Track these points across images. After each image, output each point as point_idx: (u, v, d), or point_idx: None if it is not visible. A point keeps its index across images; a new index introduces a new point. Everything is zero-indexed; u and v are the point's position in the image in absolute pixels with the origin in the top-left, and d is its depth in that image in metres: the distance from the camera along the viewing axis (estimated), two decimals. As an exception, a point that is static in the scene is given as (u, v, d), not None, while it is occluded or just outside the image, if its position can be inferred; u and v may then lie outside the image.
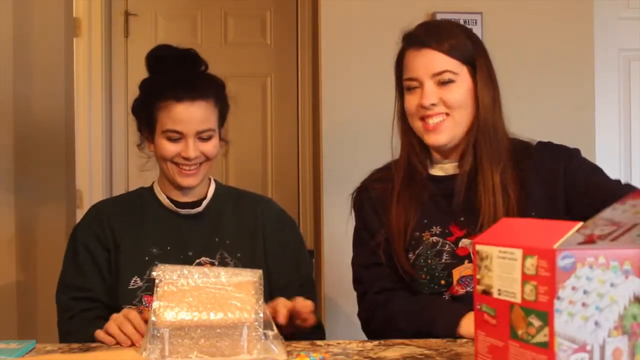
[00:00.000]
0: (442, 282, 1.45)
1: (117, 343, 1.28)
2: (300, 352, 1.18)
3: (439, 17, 2.26)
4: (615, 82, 2.70)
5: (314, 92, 3.02)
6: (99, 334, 1.31)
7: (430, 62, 1.45)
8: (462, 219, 1.47)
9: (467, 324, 1.31)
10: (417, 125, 1.47)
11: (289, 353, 1.17)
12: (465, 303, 1.33)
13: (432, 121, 1.44)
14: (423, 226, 1.48)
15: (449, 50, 1.45)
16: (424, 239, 1.47)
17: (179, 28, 3.32)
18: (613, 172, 2.66)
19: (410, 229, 1.47)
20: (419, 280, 1.46)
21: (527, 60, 2.33)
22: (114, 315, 1.32)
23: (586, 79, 2.35)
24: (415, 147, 1.51)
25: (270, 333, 1.16)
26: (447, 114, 1.44)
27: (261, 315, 1.14)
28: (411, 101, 1.47)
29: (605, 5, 2.61)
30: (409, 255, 1.47)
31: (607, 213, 0.84)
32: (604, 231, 0.86)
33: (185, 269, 1.18)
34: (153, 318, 1.11)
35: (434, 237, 1.47)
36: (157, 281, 1.14)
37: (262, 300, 1.16)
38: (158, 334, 1.11)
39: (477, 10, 2.28)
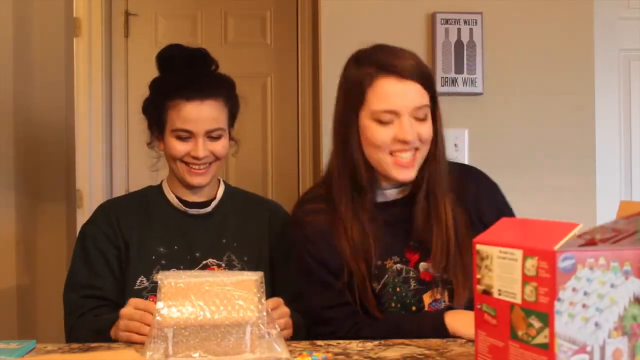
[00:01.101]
0: (414, 308, 1.43)
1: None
2: (302, 351, 1.18)
3: (439, 17, 2.25)
4: (615, 82, 2.69)
5: (314, 92, 3.02)
6: (118, 335, 1.30)
7: (413, 95, 1.38)
8: (411, 243, 1.45)
9: (451, 320, 1.34)
10: (386, 159, 1.40)
11: (290, 352, 1.17)
12: None
13: (405, 156, 1.39)
14: (382, 254, 1.43)
15: (427, 85, 1.41)
16: (387, 266, 1.44)
17: (179, 28, 3.32)
18: (613, 172, 2.68)
19: (373, 260, 1.41)
20: (388, 310, 1.43)
21: (527, 60, 2.33)
22: (123, 312, 1.30)
23: (586, 78, 2.34)
24: (364, 176, 1.42)
25: (273, 332, 1.16)
26: (417, 149, 1.41)
27: (264, 313, 1.15)
28: (385, 134, 1.38)
29: (605, 5, 2.61)
30: (374, 285, 1.43)
31: (610, 223, 0.84)
32: (605, 235, 0.86)
33: (188, 273, 1.19)
34: (157, 318, 1.11)
35: (397, 265, 1.44)
36: (159, 283, 1.14)
37: (264, 298, 1.17)
38: (162, 334, 1.11)
39: (477, 10, 2.27)
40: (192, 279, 1.15)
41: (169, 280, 1.14)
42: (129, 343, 1.27)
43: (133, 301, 1.30)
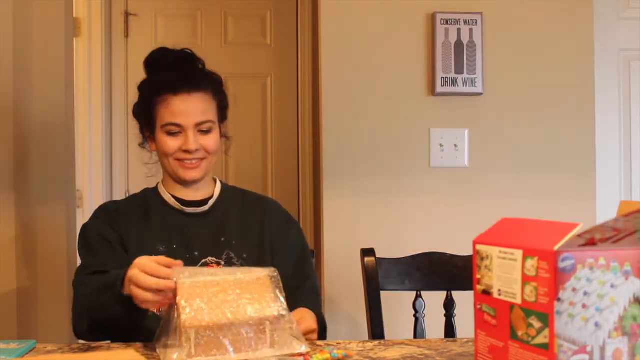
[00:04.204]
0: None
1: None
2: (323, 348, 1.19)
3: (439, 17, 2.25)
4: (615, 82, 2.69)
5: (314, 92, 3.02)
6: (130, 289, 1.21)
7: None
8: None
9: None
10: None
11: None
12: None
13: None
14: None
15: None
16: None
17: (179, 28, 3.32)
18: (613, 172, 2.68)
19: None
20: None
21: (527, 60, 2.33)
22: (135, 262, 1.22)
23: (586, 78, 2.35)
24: None
25: (292, 326, 1.16)
26: None
27: (283, 308, 1.15)
28: None
29: (605, 5, 2.61)
30: None
31: (610, 222, 0.84)
32: (605, 235, 0.86)
33: (198, 269, 1.19)
34: (183, 317, 1.10)
35: None
36: (177, 283, 1.14)
37: (283, 294, 1.17)
38: (185, 335, 1.10)
39: (477, 10, 2.27)
40: (209, 277, 1.15)
41: (187, 280, 1.13)
42: (142, 303, 1.20)
43: (144, 258, 1.23)
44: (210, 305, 1.12)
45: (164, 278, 1.17)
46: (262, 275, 1.19)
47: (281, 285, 1.19)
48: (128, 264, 1.42)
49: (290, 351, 1.15)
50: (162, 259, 1.22)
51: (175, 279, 1.15)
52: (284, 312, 1.15)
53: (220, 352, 1.11)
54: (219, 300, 1.13)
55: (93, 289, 1.38)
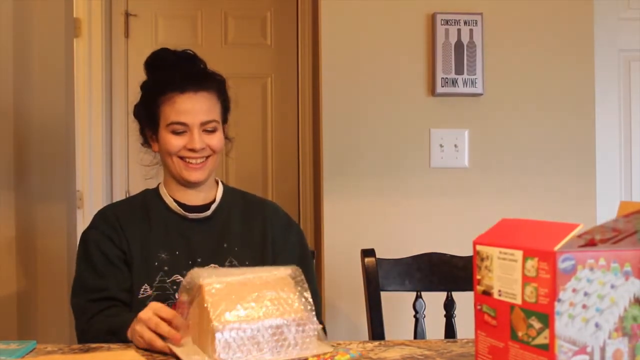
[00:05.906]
0: None
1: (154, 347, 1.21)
2: (338, 349, 1.19)
3: (439, 17, 2.25)
4: (615, 82, 2.70)
5: (314, 92, 3.02)
6: (135, 339, 1.25)
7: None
8: None
9: None
10: None
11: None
12: None
13: None
14: None
15: None
16: None
17: (179, 28, 3.32)
18: (613, 172, 2.68)
19: None
20: None
21: (527, 60, 2.33)
22: (141, 316, 1.24)
23: (586, 79, 2.35)
24: None
25: (317, 327, 1.17)
26: None
27: (309, 308, 1.15)
28: None
29: (605, 5, 2.61)
30: None
31: (610, 223, 0.84)
32: (605, 235, 0.86)
33: (220, 270, 1.20)
34: (212, 319, 1.11)
35: None
36: (205, 287, 1.13)
37: (307, 293, 1.17)
38: (212, 338, 1.10)
39: (477, 11, 2.27)
40: (233, 277, 1.14)
41: (212, 282, 1.13)
42: (149, 350, 1.24)
43: (153, 305, 1.25)
44: (241, 307, 1.11)
45: (164, 335, 1.20)
46: (285, 275, 1.19)
47: (306, 284, 1.18)
48: (128, 280, 1.48)
49: (315, 352, 1.14)
50: (164, 312, 1.23)
51: (201, 280, 1.14)
52: (308, 314, 1.15)
53: (245, 353, 1.11)
54: (245, 302, 1.12)
55: (98, 333, 1.39)
